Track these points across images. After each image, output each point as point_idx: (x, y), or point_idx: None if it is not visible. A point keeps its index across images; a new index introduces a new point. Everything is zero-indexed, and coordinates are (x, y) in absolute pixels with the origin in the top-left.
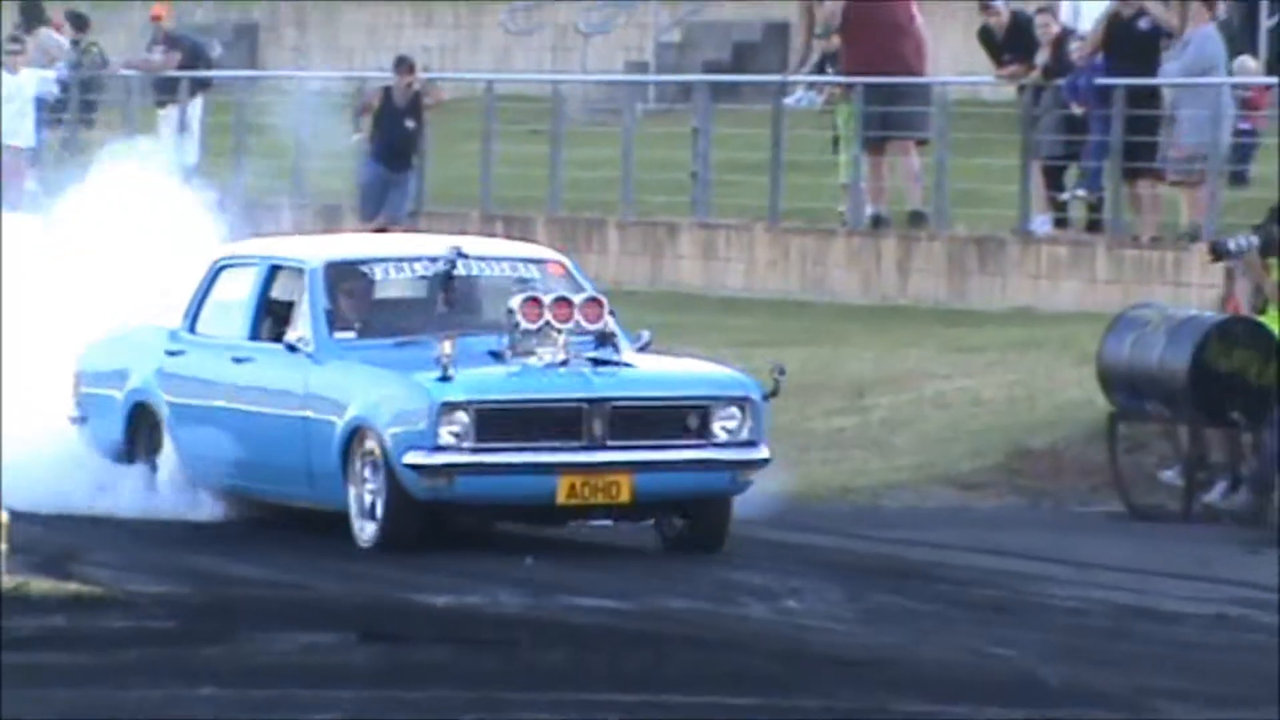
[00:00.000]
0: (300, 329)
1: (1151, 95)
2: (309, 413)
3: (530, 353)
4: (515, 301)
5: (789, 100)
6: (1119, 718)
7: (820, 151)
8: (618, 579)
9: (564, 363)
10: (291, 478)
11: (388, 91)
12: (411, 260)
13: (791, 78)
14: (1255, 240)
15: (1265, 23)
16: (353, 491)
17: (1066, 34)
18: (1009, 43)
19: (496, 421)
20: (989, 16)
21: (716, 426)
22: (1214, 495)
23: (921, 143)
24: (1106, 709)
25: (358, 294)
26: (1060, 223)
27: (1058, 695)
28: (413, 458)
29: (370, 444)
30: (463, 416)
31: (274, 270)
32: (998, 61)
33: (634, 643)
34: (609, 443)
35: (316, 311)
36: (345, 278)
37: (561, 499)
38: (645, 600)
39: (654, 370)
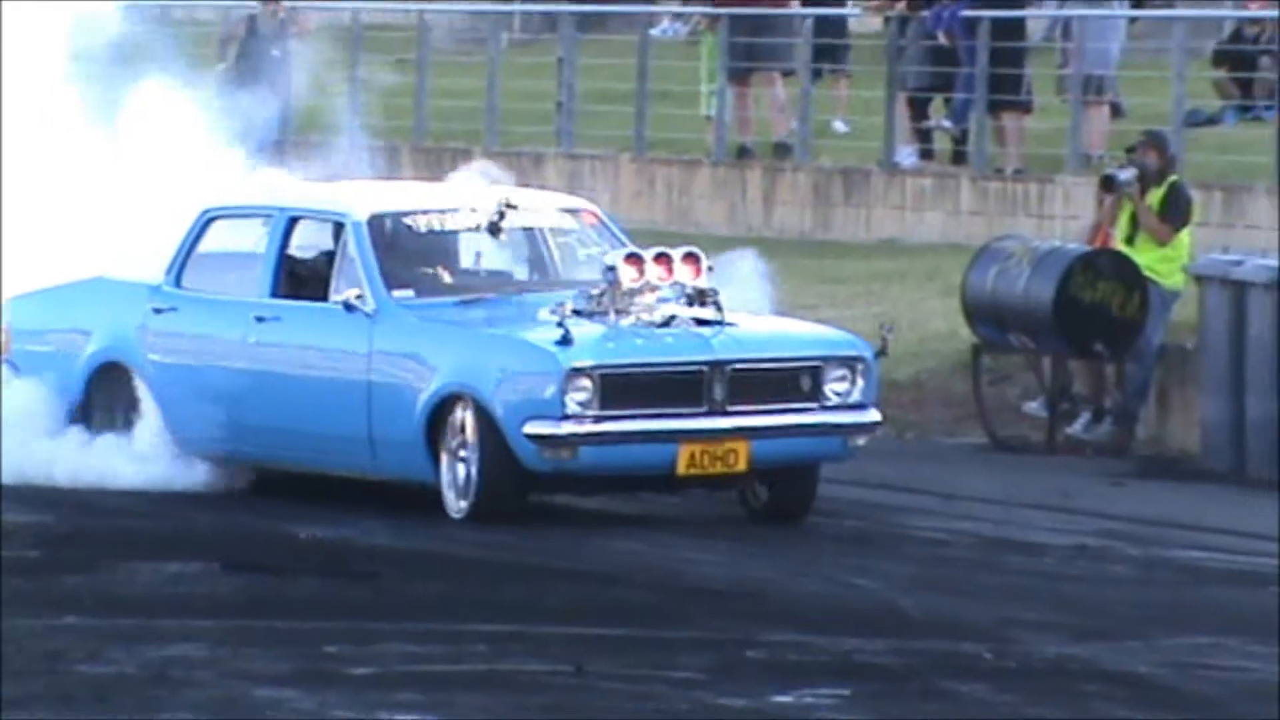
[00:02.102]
0: (349, 288)
1: (1018, 27)
2: (374, 376)
3: (626, 312)
4: (615, 258)
5: (655, 31)
6: (982, 648)
7: (686, 83)
8: None
9: (668, 322)
10: (343, 446)
11: (253, 20)
12: (457, 211)
13: (657, 8)
14: (1134, 171)
15: None
16: (445, 461)
17: None
18: None
19: (621, 388)
20: None
21: (828, 389)
22: (1077, 427)
23: (787, 74)
24: (970, 640)
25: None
26: (926, 154)
27: (921, 626)
28: (535, 428)
29: (466, 412)
30: (587, 383)
31: (293, 222)
32: None
33: (505, 575)
34: (728, 408)
35: (370, 268)
36: (389, 231)
37: (681, 469)
38: (516, 531)
39: (767, 330)
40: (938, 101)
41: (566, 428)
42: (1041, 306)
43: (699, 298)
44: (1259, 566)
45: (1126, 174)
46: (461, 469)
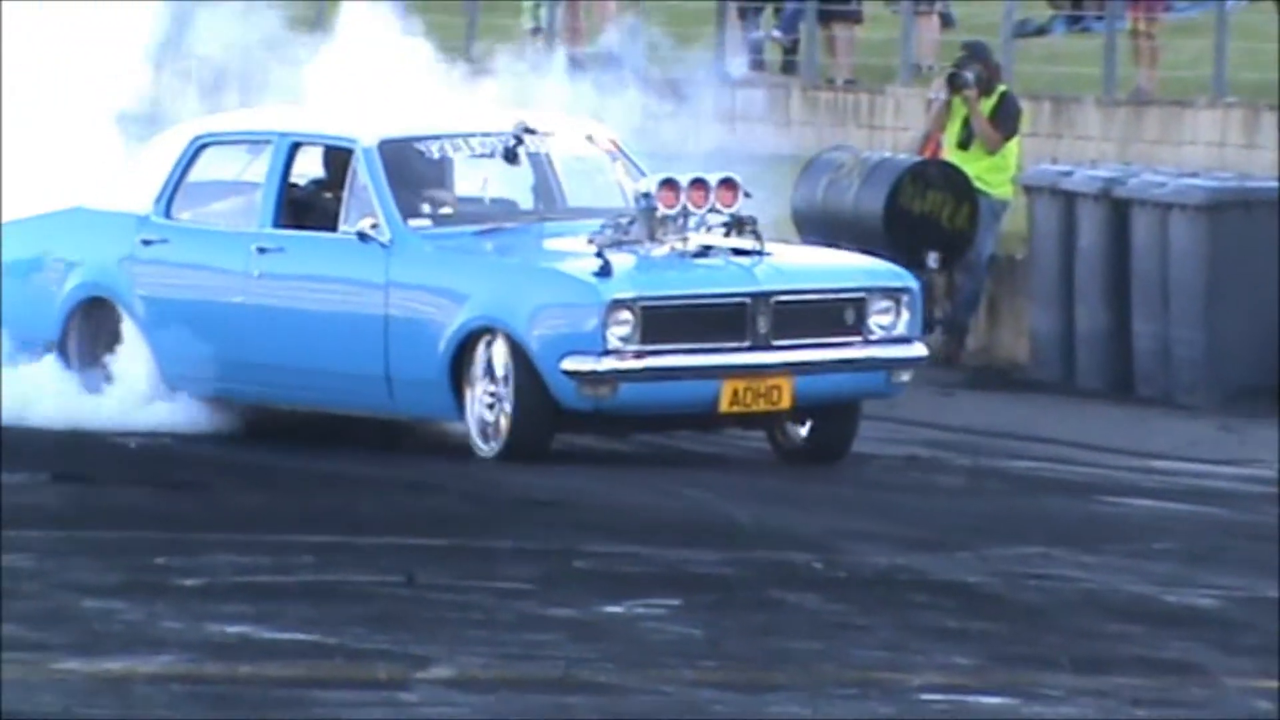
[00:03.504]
0: (362, 217)
1: None
2: (392, 310)
3: (659, 241)
4: (649, 184)
5: None
6: (812, 558)
7: None
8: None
9: (704, 252)
10: (357, 384)
11: None
12: (470, 136)
13: None
14: (977, 69)
15: None
16: (470, 397)
17: None
18: None
19: (663, 321)
20: None
21: (873, 321)
22: None
23: None
24: (799, 550)
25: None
26: (756, 65)
27: (749, 536)
28: (573, 363)
29: (495, 347)
30: (628, 316)
31: (295, 148)
32: None
33: (327, 486)
34: (772, 342)
35: (384, 196)
36: (401, 158)
37: (724, 406)
38: (337, 445)
39: (809, 260)
40: (768, 12)
41: (608, 363)
42: (871, 217)
43: (736, 226)
44: (1087, 476)
45: (970, 73)
46: (490, 408)
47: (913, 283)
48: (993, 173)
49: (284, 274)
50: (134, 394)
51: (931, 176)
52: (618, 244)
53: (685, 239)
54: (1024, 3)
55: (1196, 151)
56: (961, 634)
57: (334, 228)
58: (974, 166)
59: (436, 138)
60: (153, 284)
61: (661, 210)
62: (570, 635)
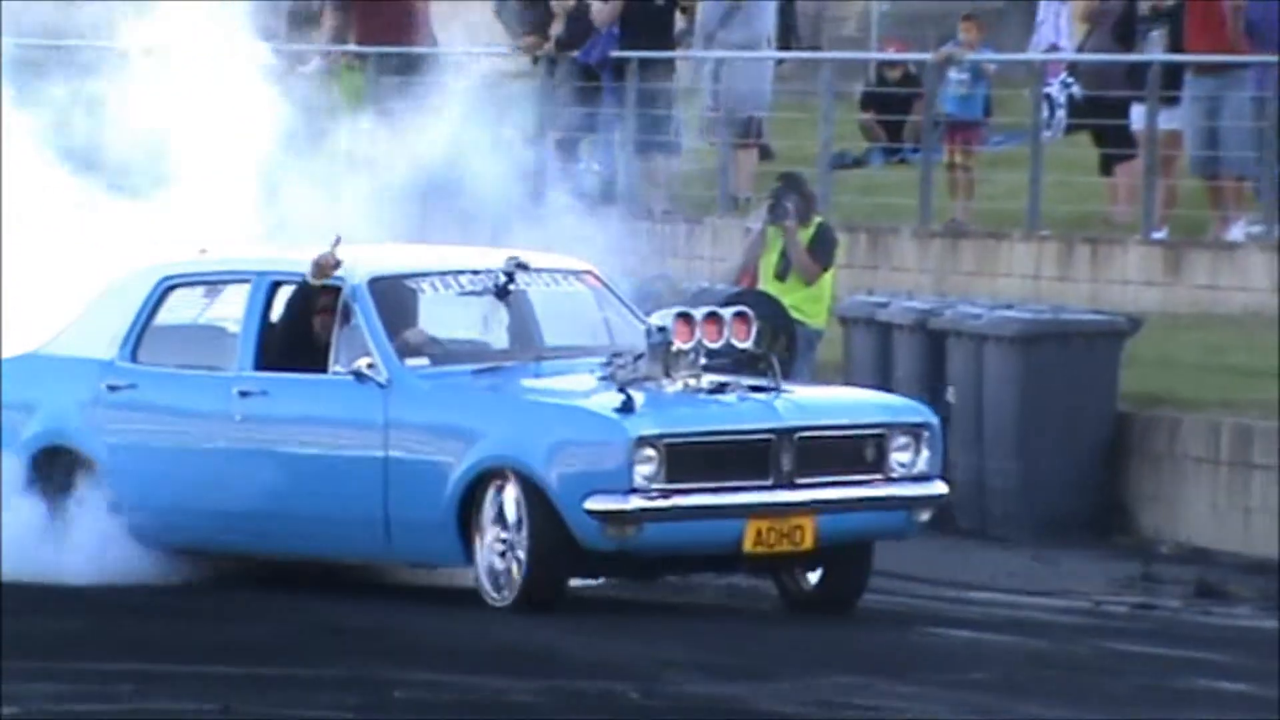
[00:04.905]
0: (355, 357)
1: (667, 68)
2: (395, 450)
3: (671, 377)
4: (664, 317)
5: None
6: (628, 687)
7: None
8: None
9: (720, 388)
10: (353, 530)
11: None
12: (459, 273)
13: (305, 47)
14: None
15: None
16: (479, 544)
17: (584, 7)
18: (526, 14)
19: (687, 458)
20: None
21: (893, 458)
22: None
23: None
24: (619, 679)
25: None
26: (576, 194)
27: (573, 666)
28: (599, 503)
29: (510, 485)
30: (653, 453)
31: (275, 286)
32: (516, 34)
33: (148, 614)
34: (796, 480)
35: (378, 334)
36: (392, 294)
37: (749, 546)
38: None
39: (829, 396)
40: (586, 142)
41: (635, 502)
42: None
43: (751, 362)
44: (906, 606)
45: (789, 203)
46: (501, 555)
47: (933, 418)
48: (809, 303)
49: (269, 416)
50: (94, 544)
51: (748, 305)
52: (632, 381)
53: (699, 375)
54: (841, 135)
55: (1011, 283)
56: None
57: (324, 368)
58: (791, 296)
59: (426, 274)
60: (120, 430)
61: (676, 345)
62: None
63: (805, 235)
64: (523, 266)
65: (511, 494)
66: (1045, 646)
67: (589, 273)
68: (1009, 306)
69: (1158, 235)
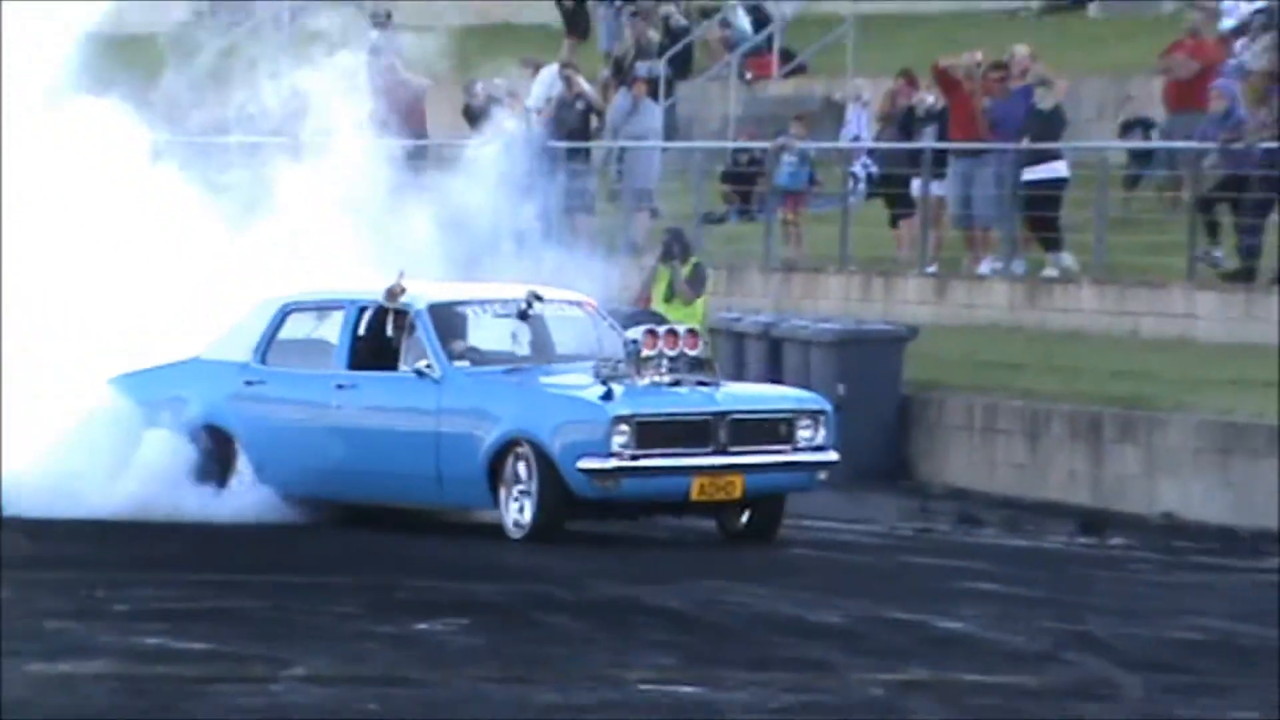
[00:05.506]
0: (417, 360)
1: (584, 154)
2: (445, 426)
3: (642, 375)
4: (635, 333)
5: None
6: (560, 590)
7: None
8: None
9: (676, 383)
10: (416, 483)
11: None
12: (492, 302)
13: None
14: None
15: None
16: (504, 493)
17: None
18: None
19: (650, 432)
20: None
21: (799, 435)
22: None
23: None
24: (554, 584)
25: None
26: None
27: (520, 573)
28: (587, 463)
29: (525, 451)
30: (626, 428)
31: (361, 311)
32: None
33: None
34: (729, 449)
35: (434, 345)
36: (444, 316)
37: (694, 496)
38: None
39: (751, 389)
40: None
41: (613, 463)
42: None
43: (698, 365)
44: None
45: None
46: (518, 501)
47: (828, 406)
48: (688, 319)
49: (357, 403)
50: (236, 494)
51: (644, 320)
52: (614, 377)
53: (661, 373)
54: (710, 200)
55: (829, 304)
56: (668, 644)
57: (395, 368)
58: (675, 314)
59: (469, 302)
60: (254, 413)
61: (645, 352)
62: (391, 645)
63: (685, 270)
64: (538, 297)
65: (526, 458)
66: (856, 559)
67: (587, 303)
68: (827, 320)
69: (930, 270)
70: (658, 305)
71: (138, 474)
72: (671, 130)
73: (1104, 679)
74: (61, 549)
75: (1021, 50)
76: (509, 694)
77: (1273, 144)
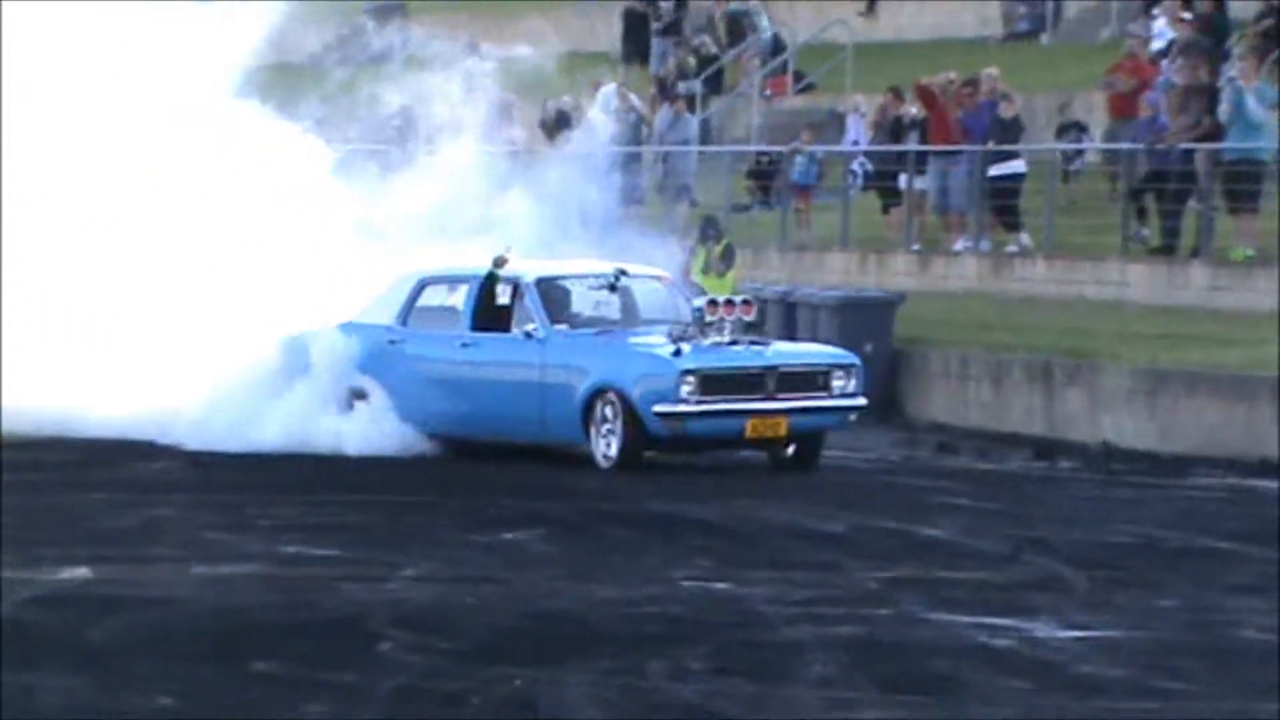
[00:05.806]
0: (525, 324)
1: (636, 157)
2: (547, 378)
3: (706, 336)
4: (700, 302)
5: None
6: (617, 507)
7: None
8: None
9: (733, 342)
10: (524, 424)
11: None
12: (587, 277)
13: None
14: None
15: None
16: (594, 431)
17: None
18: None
19: (713, 382)
20: None
21: (834, 384)
22: None
23: None
24: (610, 501)
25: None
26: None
27: (586, 494)
28: (660, 408)
29: (612, 397)
30: (692, 380)
31: (483, 283)
32: None
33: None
34: (776, 395)
35: (540, 311)
36: (549, 288)
37: (748, 434)
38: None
39: (795, 347)
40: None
41: (681, 408)
42: None
43: (751, 327)
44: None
45: (711, 231)
46: (605, 438)
47: (857, 361)
48: (721, 289)
49: (477, 360)
50: (381, 428)
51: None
52: (683, 338)
53: (722, 335)
54: (737, 192)
55: (833, 276)
56: (705, 549)
57: (508, 330)
58: (711, 285)
59: (568, 277)
60: (396, 366)
61: (708, 317)
62: (484, 551)
63: (719, 249)
64: (624, 273)
65: (612, 403)
66: (855, 478)
67: (664, 277)
68: (833, 289)
69: (914, 248)
70: (696, 277)
71: (287, 415)
72: (706, 137)
73: (1054, 575)
74: (222, 476)
75: (988, 71)
76: (577, 590)
77: (1190, 145)
